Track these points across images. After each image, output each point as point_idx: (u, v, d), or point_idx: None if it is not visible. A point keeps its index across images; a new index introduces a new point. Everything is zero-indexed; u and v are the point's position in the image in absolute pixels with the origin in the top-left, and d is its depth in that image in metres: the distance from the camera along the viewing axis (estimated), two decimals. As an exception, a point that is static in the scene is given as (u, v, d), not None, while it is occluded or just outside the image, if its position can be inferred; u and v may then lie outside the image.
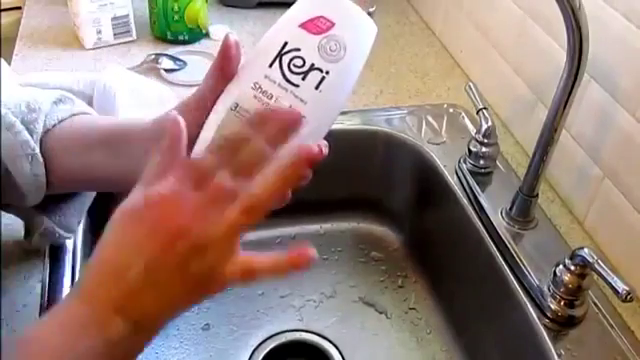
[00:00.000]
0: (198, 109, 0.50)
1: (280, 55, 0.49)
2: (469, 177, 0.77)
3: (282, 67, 0.49)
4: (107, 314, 0.40)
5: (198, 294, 0.43)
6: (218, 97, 0.50)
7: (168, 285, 0.41)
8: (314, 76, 0.49)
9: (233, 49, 0.49)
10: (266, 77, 0.49)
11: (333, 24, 0.49)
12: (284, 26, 0.50)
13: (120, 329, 0.40)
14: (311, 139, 0.50)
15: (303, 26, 0.49)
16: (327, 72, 0.49)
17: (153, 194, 0.43)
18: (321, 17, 0.49)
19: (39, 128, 0.56)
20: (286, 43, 0.49)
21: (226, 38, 0.49)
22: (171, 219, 0.42)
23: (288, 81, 0.48)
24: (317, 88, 0.49)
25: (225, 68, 0.50)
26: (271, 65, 0.49)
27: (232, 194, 0.44)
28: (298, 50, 0.49)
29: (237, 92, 0.49)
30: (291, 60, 0.49)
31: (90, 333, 0.40)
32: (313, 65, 0.49)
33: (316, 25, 0.49)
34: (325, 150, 0.50)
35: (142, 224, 0.42)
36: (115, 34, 0.98)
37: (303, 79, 0.49)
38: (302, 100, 0.48)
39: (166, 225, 0.42)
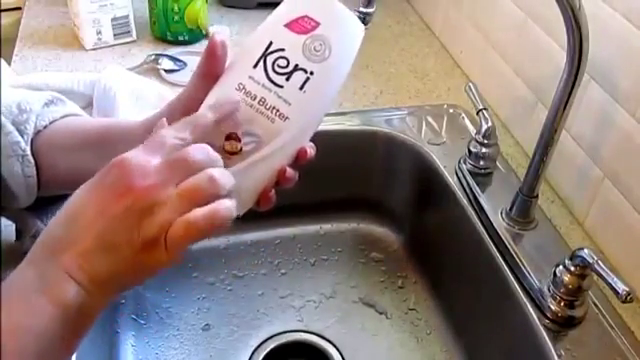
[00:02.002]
0: (186, 109, 0.50)
1: (264, 55, 0.48)
2: (469, 178, 0.77)
3: (266, 68, 0.48)
4: (58, 277, 0.40)
5: (145, 260, 0.41)
6: (205, 97, 0.49)
7: (117, 245, 0.41)
8: (298, 77, 0.48)
9: (219, 49, 0.49)
10: (250, 78, 0.48)
11: (318, 24, 0.48)
12: (270, 26, 0.50)
13: (73, 292, 0.40)
14: (296, 140, 0.49)
15: (288, 26, 0.49)
16: (311, 72, 0.48)
17: (116, 160, 0.43)
18: (306, 17, 0.49)
19: (30, 129, 0.56)
20: (271, 43, 0.49)
21: (212, 38, 0.49)
22: (126, 179, 0.41)
23: (272, 82, 0.48)
24: (301, 89, 0.48)
25: (211, 68, 0.49)
26: (255, 66, 0.48)
27: (194, 166, 0.43)
28: (282, 50, 0.48)
29: (222, 93, 0.49)
30: (275, 60, 0.48)
31: (42, 297, 0.40)
32: (297, 65, 0.48)
33: (300, 25, 0.48)
34: (311, 151, 0.50)
35: (99, 186, 0.42)
36: (115, 34, 0.98)
37: (287, 79, 0.48)
38: (286, 101, 0.48)
39: (121, 185, 0.41)
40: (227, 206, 0.42)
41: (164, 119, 0.47)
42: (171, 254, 0.41)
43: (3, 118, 0.56)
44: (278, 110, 0.48)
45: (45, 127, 0.57)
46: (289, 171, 0.49)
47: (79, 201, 0.43)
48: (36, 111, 0.57)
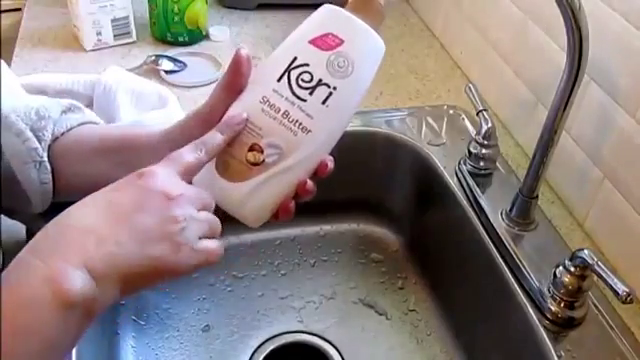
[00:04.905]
0: (208, 120, 0.51)
1: (289, 70, 0.50)
2: (469, 178, 0.77)
3: (290, 82, 0.49)
4: (66, 268, 0.39)
5: (167, 265, 0.43)
6: (227, 108, 0.50)
7: (147, 240, 0.42)
8: (321, 91, 0.49)
9: (244, 64, 0.50)
10: (274, 91, 0.49)
11: (342, 41, 0.50)
12: (295, 41, 0.51)
13: (81, 283, 0.39)
14: (317, 153, 0.50)
15: (313, 42, 0.50)
16: (334, 88, 0.49)
17: (145, 169, 0.44)
18: (330, 34, 0.50)
19: (48, 136, 0.57)
20: (295, 58, 0.50)
21: (237, 52, 0.50)
22: (163, 185, 0.43)
23: (296, 95, 0.49)
24: (324, 103, 0.49)
25: (235, 81, 0.51)
26: (280, 79, 0.50)
27: (208, 203, 0.47)
28: (307, 65, 0.50)
29: (245, 105, 0.50)
30: (299, 75, 0.49)
31: (47, 288, 0.38)
32: (321, 80, 0.49)
33: (325, 42, 0.50)
34: (331, 165, 0.51)
35: (132, 188, 0.43)
36: (115, 35, 0.98)
37: (310, 94, 0.49)
38: (309, 115, 0.49)
39: (158, 189, 0.43)
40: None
41: None
42: (191, 266, 0.44)
43: (23, 124, 0.56)
44: (301, 123, 0.49)
45: (62, 134, 0.58)
46: (309, 184, 0.50)
47: (105, 201, 0.43)
48: (54, 118, 0.58)
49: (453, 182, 0.78)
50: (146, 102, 0.81)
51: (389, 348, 0.78)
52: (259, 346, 0.77)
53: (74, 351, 0.57)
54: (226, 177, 0.49)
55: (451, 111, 0.90)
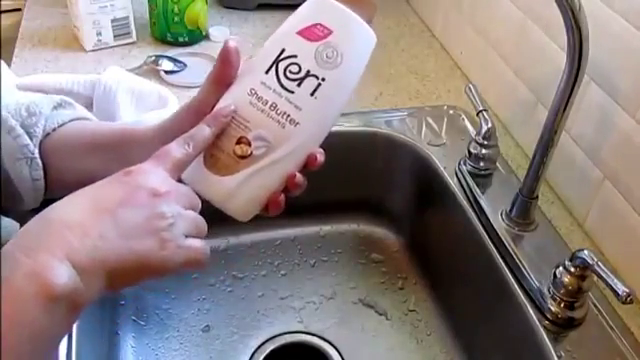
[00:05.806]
0: (198, 113, 0.50)
1: (277, 62, 0.49)
2: (469, 179, 0.77)
3: (278, 73, 0.49)
4: (52, 262, 0.39)
5: (153, 261, 0.43)
6: (218, 101, 0.50)
7: (132, 235, 0.42)
8: (310, 83, 0.49)
9: (233, 55, 0.50)
10: (262, 83, 0.49)
11: (330, 32, 0.49)
12: (283, 33, 0.51)
13: (69, 277, 0.38)
14: (306, 146, 0.50)
15: (301, 33, 0.50)
16: (323, 79, 0.49)
17: (132, 167, 0.45)
18: (318, 24, 0.50)
19: (39, 132, 0.57)
20: (283, 50, 0.49)
21: (226, 44, 0.50)
22: (150, 182, 0.44)
23: (283, 87, 0.49)
24: (312, 95, 0.49)
25: (224, 73, 0.50)
26: (267, 71, 0.49)
27: (194, 201, 0.47)
28: (295, 57, 0.49)
29: (234, 98, 0.50)
30: (287, 67, 0.49)
31: (33, 285, 0.38)
32: (309, 72, 0.49)
33: (313, 32, 0.49)
34: (321, 157, 0.51)
35: (119, 184, 0.44)
36: (115, 36, 0.98)
37: (298, 85, 0.49)
38: (297, 106, 0.49)
39: (145, 186, 0.43)
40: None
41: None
42: (176, 263, 0.44)
43: (13, 121, 0.56)
44: (289, 115, 0.48)
45: (54, 130, 0.58)
46: (298, 177, 0.50)
47: (94, 197, 0.43)
48: (45, 114, 0.58)
49: (453, 182, 0.78)
50: (146, 102, 0.81)
51: (389, 348, 0.78)
52: (259, 346, 0.77)
53: (74, 351, 0.57)
54: (214, 171, 0.49)
55: (451, 111, 0.90)
